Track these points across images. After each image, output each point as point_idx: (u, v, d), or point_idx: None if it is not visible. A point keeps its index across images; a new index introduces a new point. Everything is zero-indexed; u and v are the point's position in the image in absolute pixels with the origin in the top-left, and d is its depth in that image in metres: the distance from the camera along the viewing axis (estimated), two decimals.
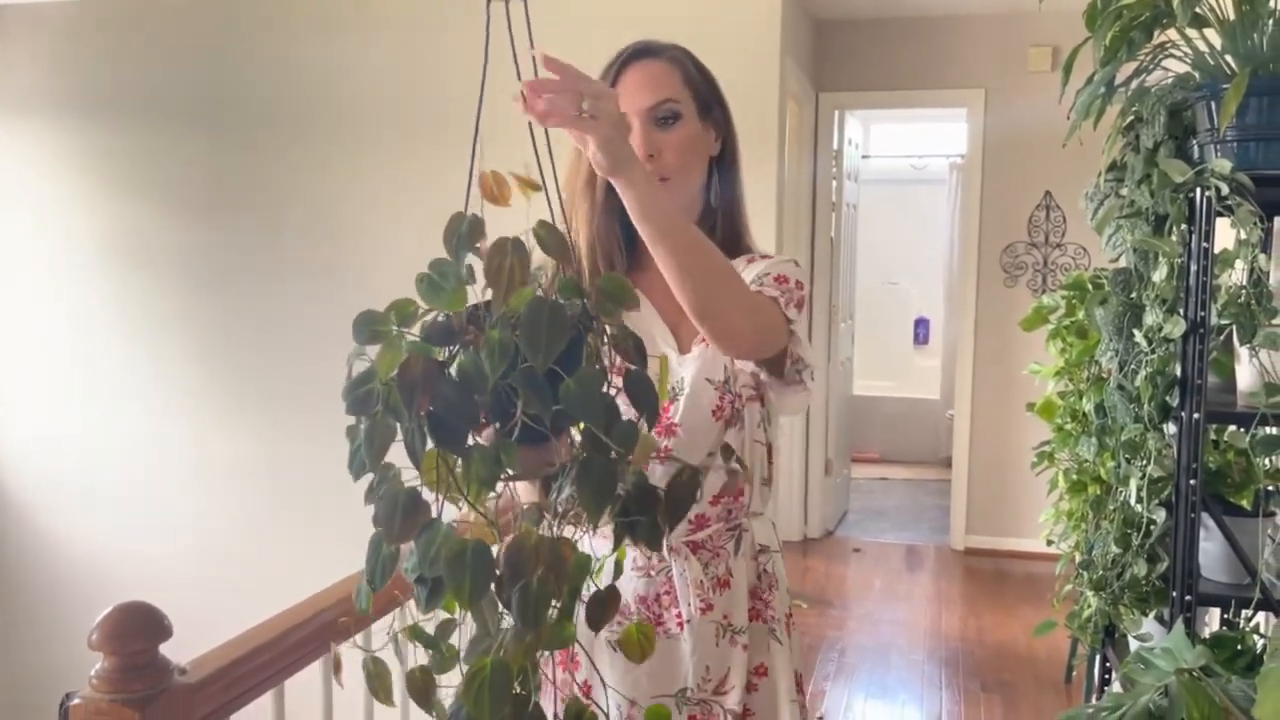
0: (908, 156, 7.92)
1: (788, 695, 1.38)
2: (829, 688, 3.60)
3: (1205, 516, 2.05)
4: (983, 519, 5.19)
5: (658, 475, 1.25)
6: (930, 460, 7.17)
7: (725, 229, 1.44)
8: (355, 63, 4.52)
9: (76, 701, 1.02)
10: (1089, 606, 2.80)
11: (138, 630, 1.04)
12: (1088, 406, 3.09)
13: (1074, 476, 3.26)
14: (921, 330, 8.28)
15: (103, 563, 4.91)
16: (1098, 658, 2.98)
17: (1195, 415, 2.00)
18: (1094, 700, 3.29)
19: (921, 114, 7.25)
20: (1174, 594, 2.08)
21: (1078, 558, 3.25)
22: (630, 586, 1.36)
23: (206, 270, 4.76)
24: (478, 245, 0.85)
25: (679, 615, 1.35)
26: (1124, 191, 2.43)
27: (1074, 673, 3.54)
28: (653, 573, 1.36)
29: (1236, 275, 2.03)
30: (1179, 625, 1.32)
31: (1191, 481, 2.01)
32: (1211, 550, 2.10)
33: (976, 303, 5.15)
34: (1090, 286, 3.25)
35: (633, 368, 0.89)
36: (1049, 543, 3.36)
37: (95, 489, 4.95)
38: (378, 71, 4.50)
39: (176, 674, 1.08)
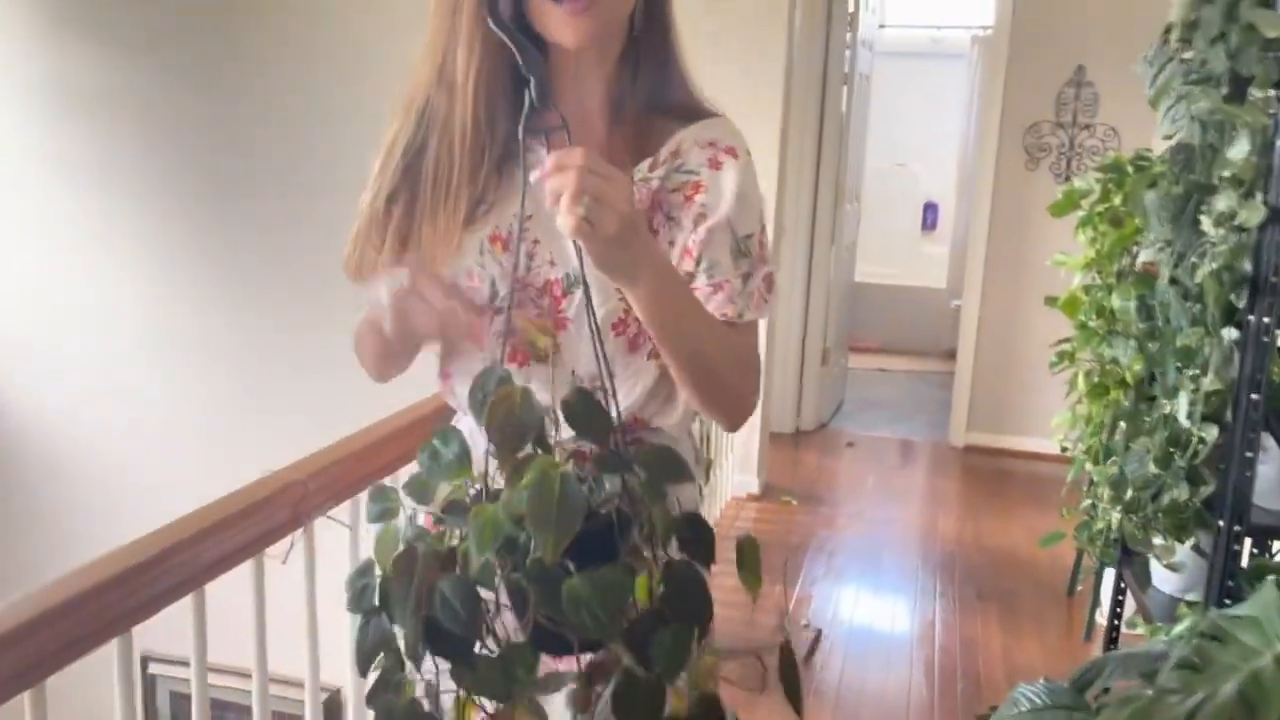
0: (926, 27, 7.42)
1: None
2: (815, 591, 3.40)
3: (1265, 436, 1.78)
4: (985, 415, 4.94)
5: (541, 378, 1.08)
6: (932, 352, 6.90)
7: (652, 66, 1.11)
8: None
9: None
10: (1104, 520, 2.56)
11: None
12: (1117, 303, 2.79)
13: (1095, 379, 2.99)
14: (930, 215, 7.91)
15: (67, 430, 4.68)
16: (1110, 574, 2.76)
17: (1265, 319, 1.71)
18: (1099, 613, 3.09)
19: None
20: (1220, 522, 1.82)
21: (1090, 466, 3.01)
22: None
23: (171, 119, 4.38)
24: None
25: None
26: (1188, 55, 2.08)
27: (1078, 587, 3.33)
28: None
29: None
30: (1269, 588, 1.05)
31: (1253, 395, 1.73)
32: (1268, 475, 1.84)
33: (994, 186, 4.79)
34: (1131, 168, 2.92)
35: (677, 558, 0.74)
36: (1064, 449, 3.11)
37: (61, 353, 4.67)
38: None
39: None
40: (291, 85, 4.22)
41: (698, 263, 1.09)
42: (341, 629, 1.40)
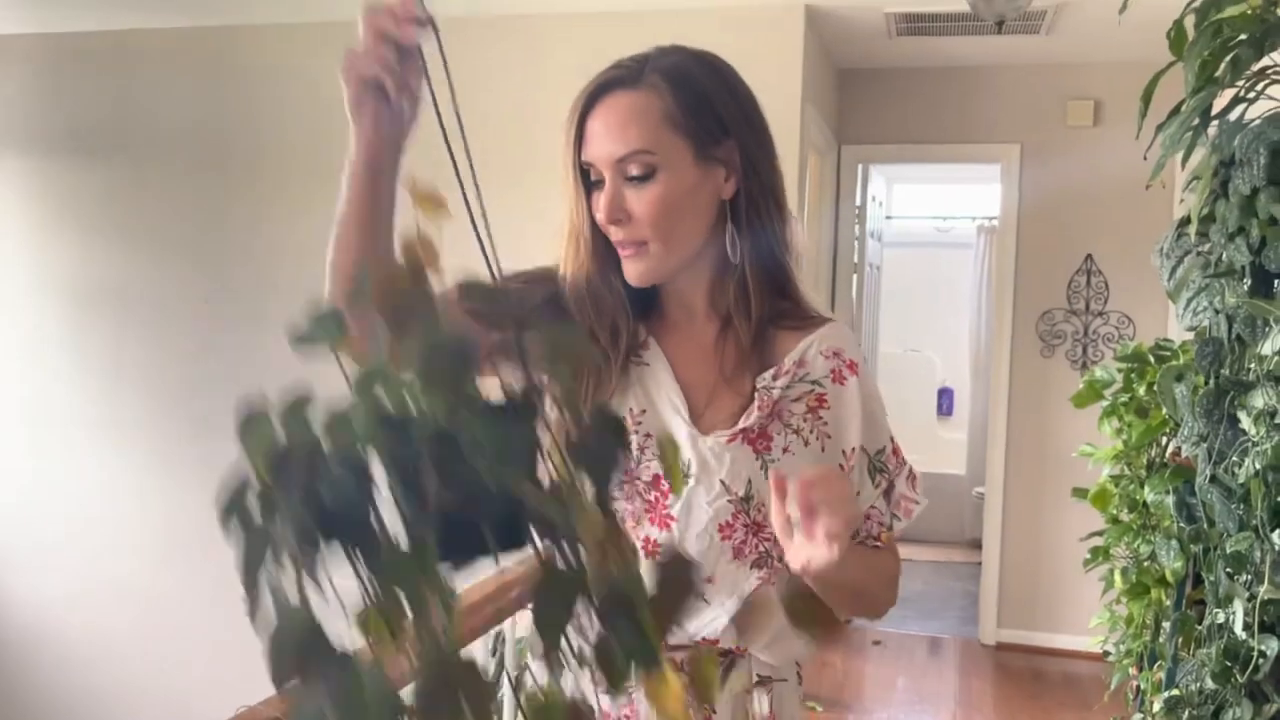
0: (932, 218, 7.59)
1: None
2: None
3: None
4: (1016, 611, 4.73)
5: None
6: (956, 541, 6.71)
7: (760, 285, 1.12)
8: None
9: None
10: None
11: None
12: (1150, 496, 2.69)
13: (1133, 577, 2.84)
14: (945, 401, 7.86)
15: (51, 629, 4.51)
16: None
17: None
18: None
19: (947, 174, 6.94)
20: None
21: (1135, 671, 2.83)
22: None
23: (179, 319, 4.42)
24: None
25: None
26: (1205, 248, 2.06)
27: None
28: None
29: None
30: None
31: None
32: None
33: (1010, 374, 4.74)
34: (1152, 358, 2.87)
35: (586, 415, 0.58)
36: (1105, 654, 2.93)
37: (46, 548, 4.56)
38: None
39: None
40: (313, 285, 4.27)
41: None
42: None
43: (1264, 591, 1.63)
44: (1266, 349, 1.68)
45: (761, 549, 1.08)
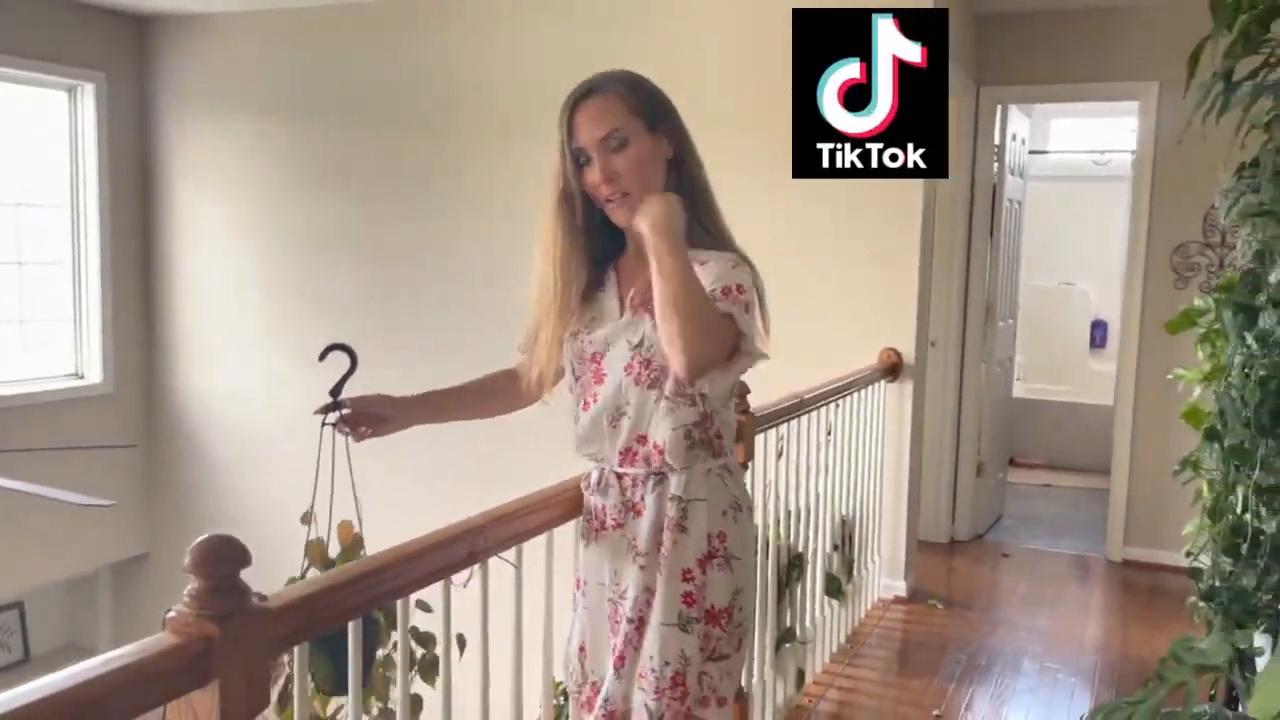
0: (1088, 152, 7.60)
1: (660, 620, 1.62)
2: (951, 688, 3.56)
3: None
4: (1142, 530, 4.96)
5: (587, 419, 1.68)
6: (1101, 469, 6.85)
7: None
8: (513, 61, 4.78)
9: (172, 614, 1.20)
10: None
11: (222, 558, 1.20)
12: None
13: (1219, 487, 3.11)
14: (1099, 333, 7.92)
15: (277, 516, 5.35)
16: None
17: None
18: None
19: (1106, 108, 6.95)
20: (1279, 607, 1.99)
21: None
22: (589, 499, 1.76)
23: (377, 249, 5.16)
24: None
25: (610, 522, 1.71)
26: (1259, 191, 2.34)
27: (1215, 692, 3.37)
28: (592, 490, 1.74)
29: None
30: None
31: None
32: None
33: (1143, 304, 4.92)
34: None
35: None
36: (1188, 554, 3.21)
37: (277, 445, 5.41)
38: (526, 69, 4.74)
39: (255, 599, 1.25)
40: (483, 220, 4.90)
41: None
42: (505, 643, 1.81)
43: (1259, 478, 1.97)
44: (1273, 277, 1.99)
45: (651, 376, 1.60)
